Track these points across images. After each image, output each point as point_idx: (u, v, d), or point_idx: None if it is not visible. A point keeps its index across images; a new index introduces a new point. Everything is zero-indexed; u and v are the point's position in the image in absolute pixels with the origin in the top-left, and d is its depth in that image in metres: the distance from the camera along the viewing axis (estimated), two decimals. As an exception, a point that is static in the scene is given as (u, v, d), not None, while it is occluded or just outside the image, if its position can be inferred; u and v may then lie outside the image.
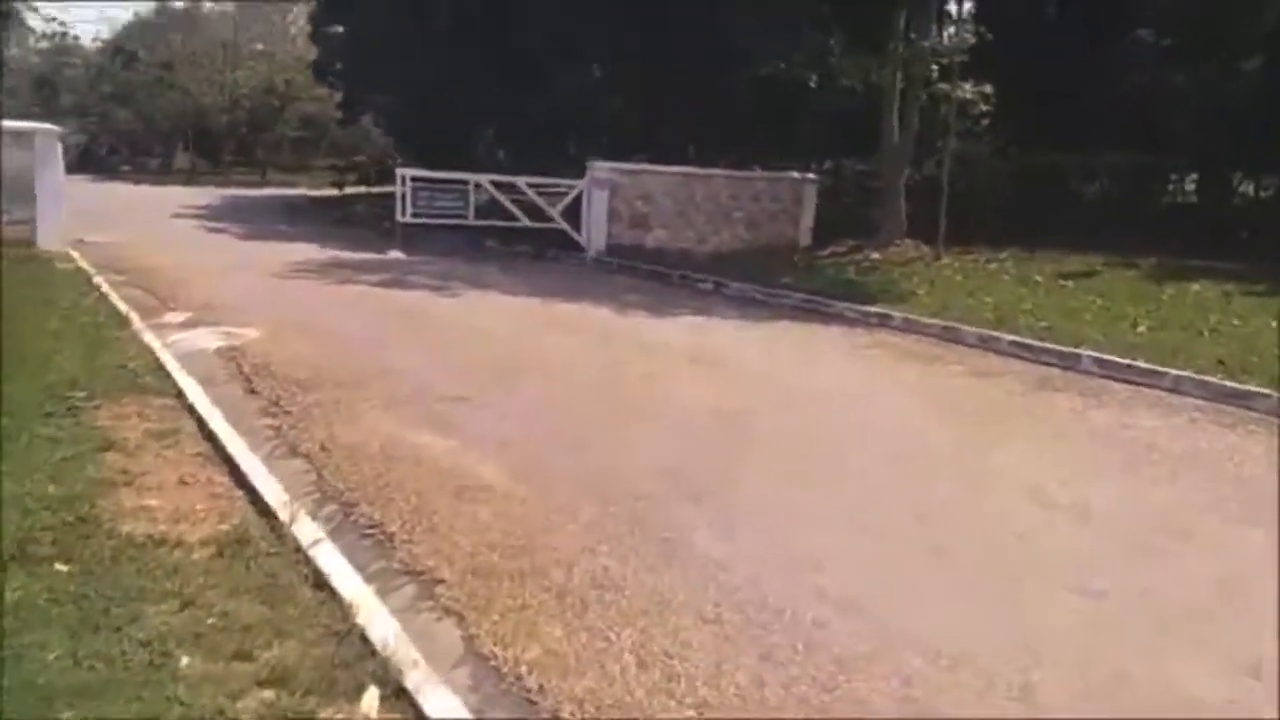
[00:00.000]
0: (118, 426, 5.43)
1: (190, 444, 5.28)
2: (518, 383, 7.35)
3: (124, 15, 63.82)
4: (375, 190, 31.29)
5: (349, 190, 34.18)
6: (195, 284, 11.58)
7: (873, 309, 11.75)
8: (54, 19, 63.76)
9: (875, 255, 17.20)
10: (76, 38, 65.57)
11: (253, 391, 6.68)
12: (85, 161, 61.84)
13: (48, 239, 12.97)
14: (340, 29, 29.87)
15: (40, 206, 12.83)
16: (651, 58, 21.37)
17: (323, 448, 5.48)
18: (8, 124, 13.36)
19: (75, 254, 12.88)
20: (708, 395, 7.31)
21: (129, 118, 57.16)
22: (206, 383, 6.76)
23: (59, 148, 13.47)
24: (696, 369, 8.32)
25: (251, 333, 8.64)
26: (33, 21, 40.00)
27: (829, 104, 20.23)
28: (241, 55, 53.12)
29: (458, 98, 28.77)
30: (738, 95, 20.47)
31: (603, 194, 17.68)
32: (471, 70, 25.87)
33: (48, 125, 13.52)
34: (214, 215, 25.38)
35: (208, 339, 8.32)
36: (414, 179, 17.38)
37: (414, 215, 17.00)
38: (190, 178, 50.40)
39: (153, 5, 59.33)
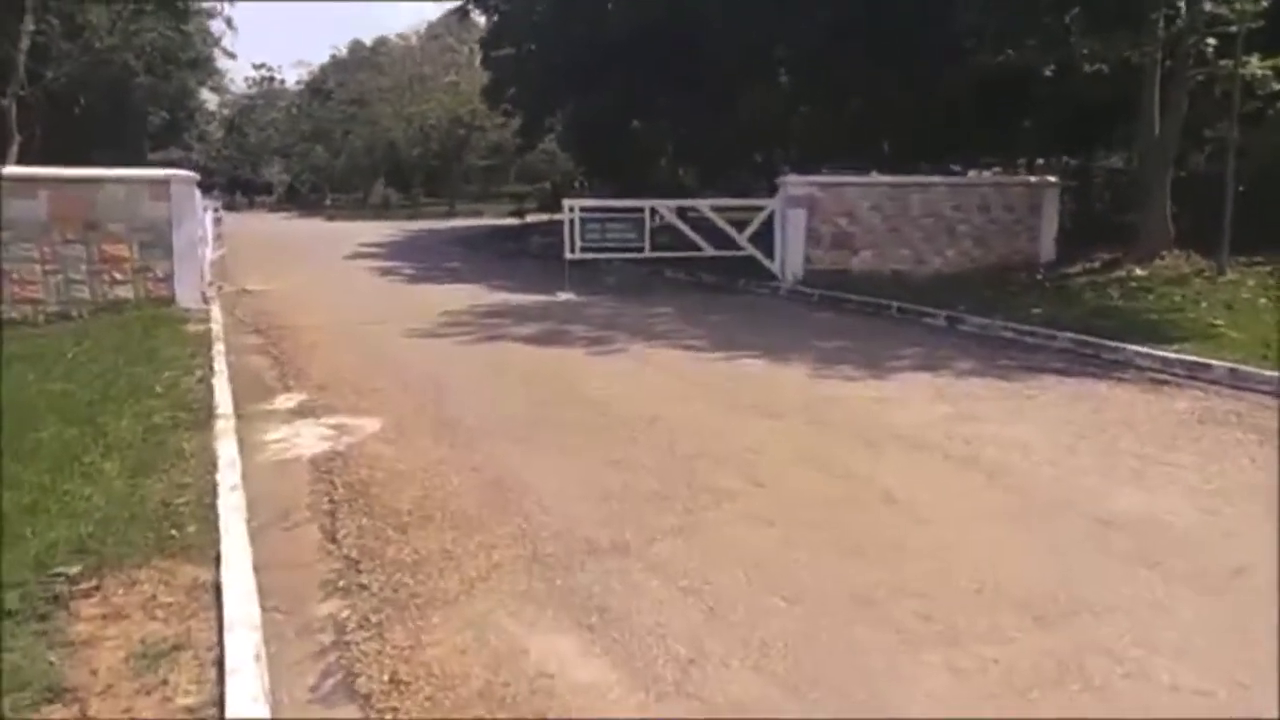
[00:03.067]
0: (95, 638, 3.55)
1: (187, 678, 3.31)
2: (698, 517, 5.01)
3: (321, 57, 66.17)
4: (556, 217, 29.91)
5: (530, 219, 33.15)
6: (334, 347, 10.10)
7: (1176, 354, 8.84)
8: (263, 65, 67.21)
9: (1139, 271, 14.09)
10: (283, 81, 68.94)
11: (333, 539, 4.74)
12: (291, 198, 64.72)
13: (187, 295, 11.73)
14: (511, 51, 28.66)
15: (178, 261, 11.57)
16: (848, 58, 18.87)
17: (393, 679, 3.42)
18: (144, 173, 12.36)
19: (216, 311, 11.66)
20: (994, 541, 4.80)
21: (326, 155, 59.10)
22: (274, 523, 4.92)
23: (198, 196, 12.30)
24: (959, 478, 5.73)
25: (368, 424, 6.84)
26: (222, 64, 41.24)
27: (1062, 93, 17.09)
28: (429, 88, 53.78)
29: (636, 116, 27.07)
30: (954, 90, 17.66)
31: (799, 213, 15.26)
32: (650, 86, 24.10)
33: (185, 172, 12.35)
34: (390, 253, 24.70)
35: (311, 438, 6.54)
36: (582, 209, 15.51)
37: (584, 250, 15.05)
38: (382, 211, 51.36)
39: (345, 44, 61.20)
